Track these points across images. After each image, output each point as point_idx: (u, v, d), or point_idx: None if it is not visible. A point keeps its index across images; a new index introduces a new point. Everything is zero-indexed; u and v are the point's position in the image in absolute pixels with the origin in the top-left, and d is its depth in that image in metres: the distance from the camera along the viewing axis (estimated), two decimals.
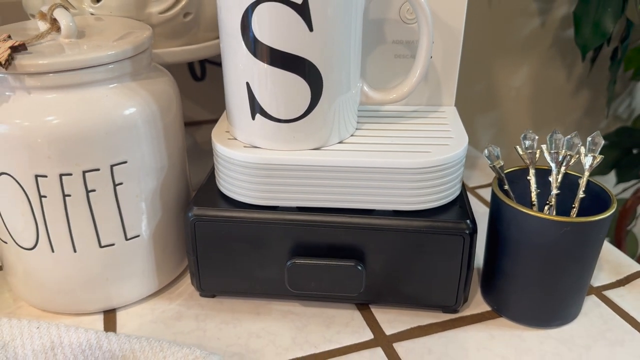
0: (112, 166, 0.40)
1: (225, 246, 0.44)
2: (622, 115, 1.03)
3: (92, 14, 0.49)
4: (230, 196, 0.44)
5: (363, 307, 0.46)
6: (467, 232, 0.41)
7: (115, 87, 0.40)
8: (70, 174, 0.39)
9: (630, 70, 0.92)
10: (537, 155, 0.46)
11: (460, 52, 0.48)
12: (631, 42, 0.84)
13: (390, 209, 0.43)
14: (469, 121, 0.92)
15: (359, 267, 0.42)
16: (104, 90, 0.40)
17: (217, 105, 0.76)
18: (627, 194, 1.01)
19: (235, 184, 0.43)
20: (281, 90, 0.40)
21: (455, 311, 0.45)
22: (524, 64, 0.93)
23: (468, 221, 0.42)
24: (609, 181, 1.00)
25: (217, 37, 0.55)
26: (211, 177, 0.47)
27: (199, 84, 0.73)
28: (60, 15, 0.40)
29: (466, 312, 0.46)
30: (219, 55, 0.55)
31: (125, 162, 0.41)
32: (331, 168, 0.41)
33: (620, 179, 0.96)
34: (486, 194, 0.65)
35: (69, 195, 0.40)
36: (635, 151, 0.94)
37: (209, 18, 0.53)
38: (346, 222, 0.42)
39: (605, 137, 0.98)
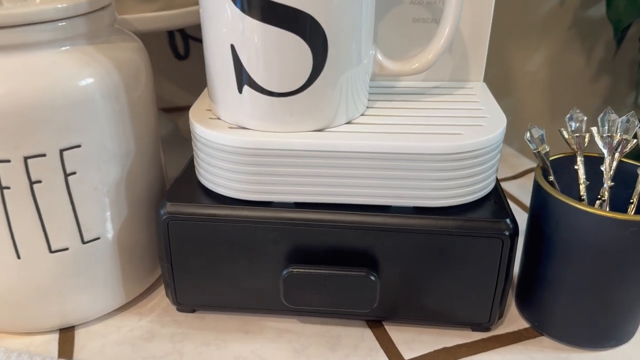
0: (61, 151, 0.32)
1: (207, 251, 0.36)
2: None
3: None
4: (213, 189, 0.36)
5: (375, 324, 0.38)
6: (507, 233, 0.34)
7: (67, 50, 0.32)
8: (9, 161, 0.31)
9: None
10: (587, 140, 0.38)
11: (492, 18, 0.40)
12: None
13: (410, 204, 0.35)
14: None
15: (372, 277, 0.34)
16: (52, 54, 0.32)
17: (202, 88, 0.68)
18: None
19: (218, 174, 0.35)
20: (275, 54, 0.32)
21: (487, 329, 0.38)
22: (541, 47, 0.86)
23: (508, 220, 0.34)
24: None
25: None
26: (189, 167, 0.39)
27: (182, 63, 0.65)
28: None
29: (500, 330, 0.38)
30: (191, 24, 0.47)
31: (78, 146, 0.33)
32: (337, 154, 0.33)
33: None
34: (510, 187, 0.57)
35: (7, 188, 0.32)
36: None
37: None
38: (356, 222, 0.34)
39: None
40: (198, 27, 0.37)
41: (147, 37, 0.43)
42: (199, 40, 0.65)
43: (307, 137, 0.34)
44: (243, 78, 0.33)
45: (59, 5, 0.31)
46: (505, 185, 0.57)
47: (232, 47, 0.32)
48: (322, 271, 0.35)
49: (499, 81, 0.87)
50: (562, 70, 0.90)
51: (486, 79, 0.43)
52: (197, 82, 0.68)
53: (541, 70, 0.89)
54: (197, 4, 0.46)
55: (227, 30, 0.32)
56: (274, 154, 0.34)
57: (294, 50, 0.32)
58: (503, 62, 0.86)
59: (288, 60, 0.32)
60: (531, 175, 0.59)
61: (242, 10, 0.31)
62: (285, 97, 0.33)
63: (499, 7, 0.78)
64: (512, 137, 0.89)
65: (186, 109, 0.68)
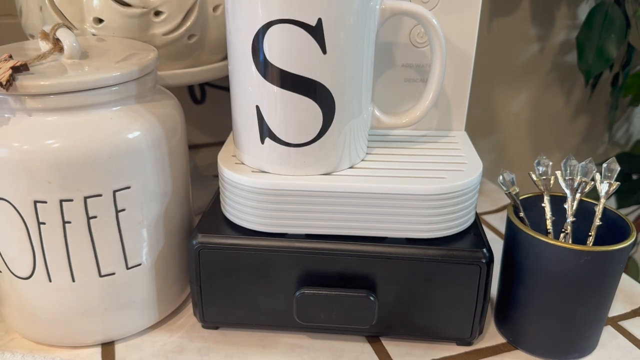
0: (114, 192, 0.38)
1: (231, 275, 0.42)
2: (620, 141, 1.03)
3: (94, 35, 0.47)
4: (237, 222, 0.42)
5: (373, 339, 0.44)
6: (484, 261, 0.40)
7: (120, 109, 0.39)
8: (71, 200, 0.37)
9: (628, 96, 0.92)
10: (552, 182, 0.44)
11: (471, 77, 0.47)
12: (632, 67, 0.84)
13: (403, 236, 0.41)
14: None
15: (371, 298, 0.40)
16: (108, 112, 0.38)
17: (216, 129, 0.75)
18: None
19: (242, 210, 0.41)
20: (292, 113, 0.39)
21: (469, 344, 0.44)
22: (523, 90, 0.93)
23: (484, 250, 0.40)
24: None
25: (221, 60, 0.54)
26: (215, 202, 0.45)
27: (199, 107, 0.72)
28: (63, 35, 0.39)
29: (481, 344, 0.44)
30: (220, 79, 0.54)
31: (128, 188, 0.39)
32: (342, 194, 0.40)
33: (621, 205, 0.95)
34: (492, 220, 0.63)
35: (69, 222, 0.38)
36: (635, 177, 0.93)
37: (214, 40, 0.51)
38: (357, 251, 0.41)
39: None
40: None
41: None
42: (214, 86, 0.72)
43: (317, 180, 0.40)
44: (265, 132, 0.40)
45: (115, 74, 0.38)
46: (487, 218, 0.64)
47: (257, 107, 0.39)
48: (328, 292, 0.40)
49: (485, 121, 0.94)
50: (543, 111, 0.96)
51: (473, 119, 0.49)
52: (212, 123, 0.75)
53: (524, 111, 0.95)
54: (219, 60, 0.53)
55: (252, 93, 0.39)
56: (289, 194, 0.40)
57: (307, 110, 0.38)
58: (489, 104, 0.93)
59: (302, 118, 0.39)
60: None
61: (265, 78, 0.38)
62: (300, 147, 0.40)
63: (485, 53, 0.86)
64: (496, 174, 0.95)
65: (202, 146, 0.75)
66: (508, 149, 0.97)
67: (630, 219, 0.99)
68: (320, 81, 0.38)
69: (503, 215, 0.64)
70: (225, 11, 0.39)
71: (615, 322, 0.47)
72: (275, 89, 0.38)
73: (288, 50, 0.37)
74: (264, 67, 0.38)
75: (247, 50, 0.38)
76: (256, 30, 0.37)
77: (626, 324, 0.47)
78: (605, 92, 0.95)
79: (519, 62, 0.91)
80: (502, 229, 0.61)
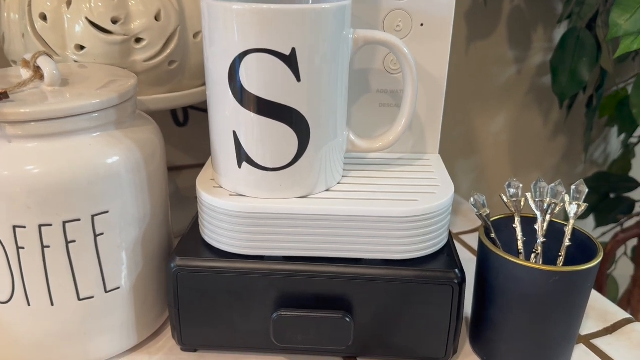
0: (93, 216, 0.39)
1: (209, 298, 0.42)
2: (598, 161, 1.05)
3: (75, 62, 0.48)
4: (215, 246, 0.43)
5: (349, 359, 0.45)
6: (456, 281, 0.41)
7: (99, 135, 0.40)
8: (50, 225, 0.38)
9: (604, 117, 0.95)
10: (523, 204, 0.46)
11: (444, 101, 0.49)
12: (605, 89, 0.86)
13: (379, 258, 0.42)
14: (448, 167, 0.93)
15: (347, 319, 0.41)
16: (87, 139, 0.39)
17: (199, 151, 0.76)
18: (606, 238, 1.02)
19: (220, 233, 0.42)
20: (268, 139, 0.40)
21: None
22: (502, 111, 0.95)
23: (457, 270, 0.41)
24: (587, 226, 1.01)
25: (202, 85, 0.55)
26: (194, 225, 0.46)
27: (181, 129, 0.73)
28: (43, 62, 0.40)
29: None
30: (201, 102, 0.55)
31: (106, 212, 0.40)
32: (319, 217, 0.41)
33: (599, 223, 0.97)
34: (470, 240, 0.64)
35: (48, 247, 0.38)
36: (612, 196, 0.95)
37: (194, 65, 0.53)
38: (333, 272, 0.41)
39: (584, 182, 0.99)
40: None
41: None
42: (197, 109, 0.73)
43: (293, 203, 0.41)
44: (242, 156, 0.41)
45: (95, 101, 0.38)
46: (464, 238, 0.65)
47: (234, 132, 0.40)
48: (305, 314, 0.41)
49: (465, 141, 0.95)
50: (522, 132, 0.98)
51: (452, 140, 0.51)
52: (194, 145, 0.76)
53: (502, 131, 0.97)
54: (200, 85, 0.54)
55: (229, 119, 0.40)
56: (266, 217, 0.41)
57: (283, 135, 0.39)
58: (468, 124, 0.95)
59: (278, 144, 0.40)
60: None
61: (242, 105, 0.39)
62: (276, 171, 0.41)
63: (463, 75, 0.88)
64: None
65: (184, 168, 0.75)
66: (488, 169, 0.99)
67: (608, 237, 1.01)
68: (296, 108, 0.39)
69: None
70: (203, 38, 0.40)
71: (587, 340, 0.48)
72: (252, 115, 0.39)
73: (264, 78, 0.38)
74: (241, 94, 0.39)
75: (224, 77, 0.39)
76: (233, 58, 0.38)
77: (598, 342, 0.48)
78: (582, 113, 0.97)
79: (497, 83, 0.93)
80: None
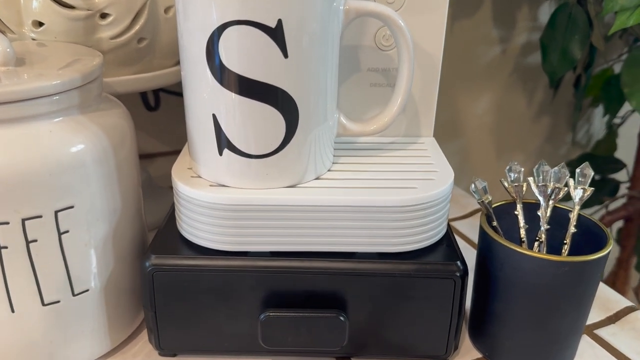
0: (56, 212, 0.35)
1: (188, 299, 0.39)
2: (581, 142, 1.04)
3: (33, 39, 0.43)
4: (194, 241, 0.39)
5: (343, 359, 0.42)
6: (458, 274, 0.38)
7: (61, 121, 0.35)
8: (7, 223, 0.34)
9: (588, 97, 0.93)
10: (524, 189, 0.43)
11: (439, 81, 0.45)
12: (593, 68, 0.84)
13: (374, 251, 0.39)
14: None
15: (342, 318, 0.38)
16: (48, 124, 0.35)
17: (172, 136, 0.71)
18: None
19: (199, 227, 0.38)
20: (252, 122, 0.36)
21: None
22: (486, 92, 0.93)
23: (458, 262, 0.38)
24: None
25: (175, 64, 0.51)
26: (170, 219, 0.42)
27: (153, 113, 0.68)
28: None
29: None
30: (174, 84, 0.51)
31: (72, 207, 0.35)
32: (309, 208, 0.37)
33: (583, 205, 0.96)
34: (462, 227, 0.62)
35: (5, 248, 0.34)
36: (597, 177, 0.93)
37: (166, 44, 0.48)
38: (325, 268, 0.38)
39: (568, 164, 0.97)
40: None
41: None
42: (168, 92, 0.68)
43: (280, 194, 0.37)
44: (223, 143, 0.37)
45: (55, 82, 0.34)
46: (456, 224, 0.62)
47: (214, 116, 0.36)
48: (295, 314, 0.38)
49: (449, 124, 0.93)
50: (506, 113, 0.96)
51: (437, 123, 0.48)
52: (167, 131, 0.71)
53: (487, 113, 0.95)
54: (172, 65, 0.50)
55: (208, 101, 0.36)
56: (251, 209, 0.37)
57: (269, 118, 0.36)
58: (452, 107, 0.92)
59: (264, 128, 0.36)
60: (479, 215, 0.64)
61: (222, 84, 0.35)
62: (262, 158, 0.37)
63: (447, 56, 0.85)
64: (461, 177, 0.94)
65: (157, 155, 0.71)
66: (471, 151, 0.96)
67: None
68: (282, 87, 0.35)
69: (473, 221, 0.63)
70: (177, 12, 0.36)
71: (590, 330, 0.46)
72: (233, 95, 0.35)
73: (246, 54, 0.34)
74: (220, 72, 0.35)
75: (201, 54, 0.35)
76: (210, 33, 0.34)
77: (602, 332, 0.46)
78: (567, 93, 0.95)
79: (481, 64, 0.90)
80: (472, 236, 0.60)
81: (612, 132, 0.96)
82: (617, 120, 0.96)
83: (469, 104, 0.92)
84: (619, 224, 0.97)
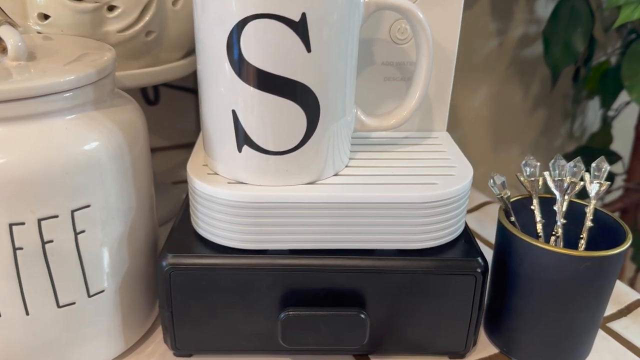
0: (73, 211, 0.34)
1: (206, 298, 0.38)
2: (576, 134, 1.04)
3: (39, 33, 0.42)
4: (211, 239, 0.38)
5: (361, 357, 0.41)
6: (479, 270, 0.38)
7: (75, 117, 0.34)
8: (23, 223, 0.33)
9: (586, 90, 0.93)
10: (540, 183, 0.43)
11: (453, 75, 0.45)
12: (593, 60, 0.84)
13: (394, 248, 0.38)
14: None
15: (362, 316, 0.37)
16: (62, 122, 0.34)
17: (172, 131, 0.70)
18: None
19: (217, 225, 0.37)
20: (273, 118, 0.35)
21: (462, 357, 0.41)
22: (483, 85, 0.93)
23: (479, 259, 0.38)
24: None
25: (181, 58, 0.50)
26: (184, 216, 0.41)
27: (152, 108, 0.67)
28: (6, 33, 0.34)
29: (473, 356, 0.42)
30: (177, 78, 0.50)
31: (88, 206, 0.34)
32: (329, 205, 0.37)
33: (578, 196, 0.96)
34: (469, 220, 0.61)
35: (20, 249, 0.33)
36: None
37: (174, 37, 0.47)
38: (345, 265, 0.37)
39: (564, 157, 0.98)
40: None
41: None
42: (169, 86, 0.67)
43: (300, 191, 0.37)
44: (242, 138, 0.36)
45: (70, 77, 0.33)
46: None
47: (233, 111, 0.35)
48: (316, 313, 0.37)
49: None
50: (502, 105, 0.96)
51: None
52: (167, 125, 0.70)
53: (483, 105, 0.95)
54: (178, 59, 0.49)
55: (227, 95, 0.35)
56: (270, 207, 0.36)
57: (290, 114, 0.35)
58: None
59: (285, 124, 0.35)
60: (485, 209, 0.64)
61: (241, 78, 0.34)
62: (282, 155, 0.36)
63: None
64: None
65: (158, 150, 0.70)
66: (468, 144, 0.96)
67: None
68: (303, 82, 0.34)
69: (478, 215, 0.63)
70: (194, 4, 0.35)
71: (604, 324, 0.46)
72: (254, 90, 0.34)
73: (268, 48, 0.33)
74: (239, 66, 0.34)
75: (220, 48, 0.34)
76: (232, 26, 0.33)
77: (614, 325, 0.46)
78: (563, 86, 0.95)
79: (478, 56, 0.90)
80: (479, 230, 0.59)
81: (606, 124, 0.97)
82: (611, 113, 0.97)
83: (466, 96, 0.92)
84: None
